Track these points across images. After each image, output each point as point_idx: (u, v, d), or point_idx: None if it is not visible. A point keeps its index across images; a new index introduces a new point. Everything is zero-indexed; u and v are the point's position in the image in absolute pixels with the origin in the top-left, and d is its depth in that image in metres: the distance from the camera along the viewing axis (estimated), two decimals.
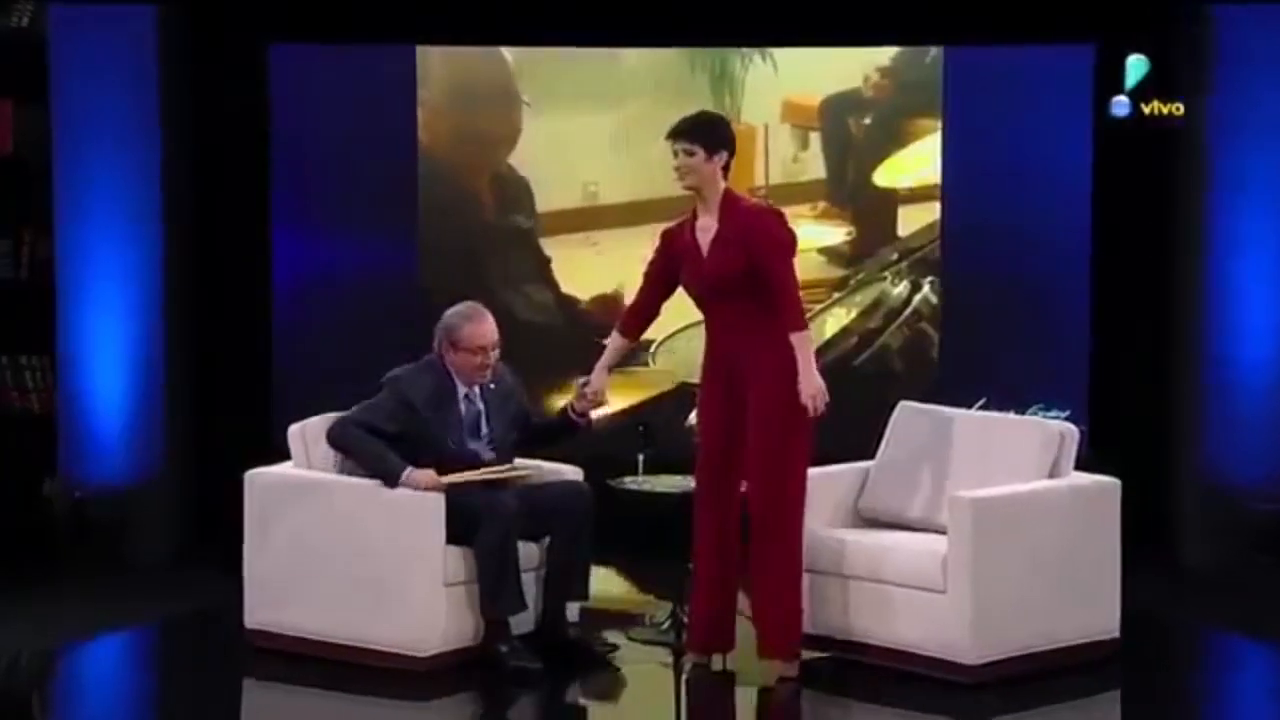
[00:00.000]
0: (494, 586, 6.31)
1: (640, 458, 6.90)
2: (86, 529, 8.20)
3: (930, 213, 8.57)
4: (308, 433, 6.65)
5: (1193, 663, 7.08)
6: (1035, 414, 6.85)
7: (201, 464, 8.50)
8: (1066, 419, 6.69)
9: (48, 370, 8.42)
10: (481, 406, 6.51)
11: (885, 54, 8.53)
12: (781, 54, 8.47)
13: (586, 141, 8.56)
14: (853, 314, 8.62)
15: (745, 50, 8.47)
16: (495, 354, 6.46)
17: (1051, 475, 6.48)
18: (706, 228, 6.17)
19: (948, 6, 8.39)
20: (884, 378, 8.48)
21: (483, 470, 6.37)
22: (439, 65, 8.65)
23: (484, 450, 6.50)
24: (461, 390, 6.47)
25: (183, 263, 8.48)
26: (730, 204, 6.13)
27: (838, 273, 8.62)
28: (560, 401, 7.45)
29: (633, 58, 8.55)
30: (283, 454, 6.73)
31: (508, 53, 8.60)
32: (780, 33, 8.46)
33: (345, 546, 6.40)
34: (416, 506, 6.31)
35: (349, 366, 8.33)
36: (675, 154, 6.13)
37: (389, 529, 6.35)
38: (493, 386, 6.53)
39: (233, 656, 6.65)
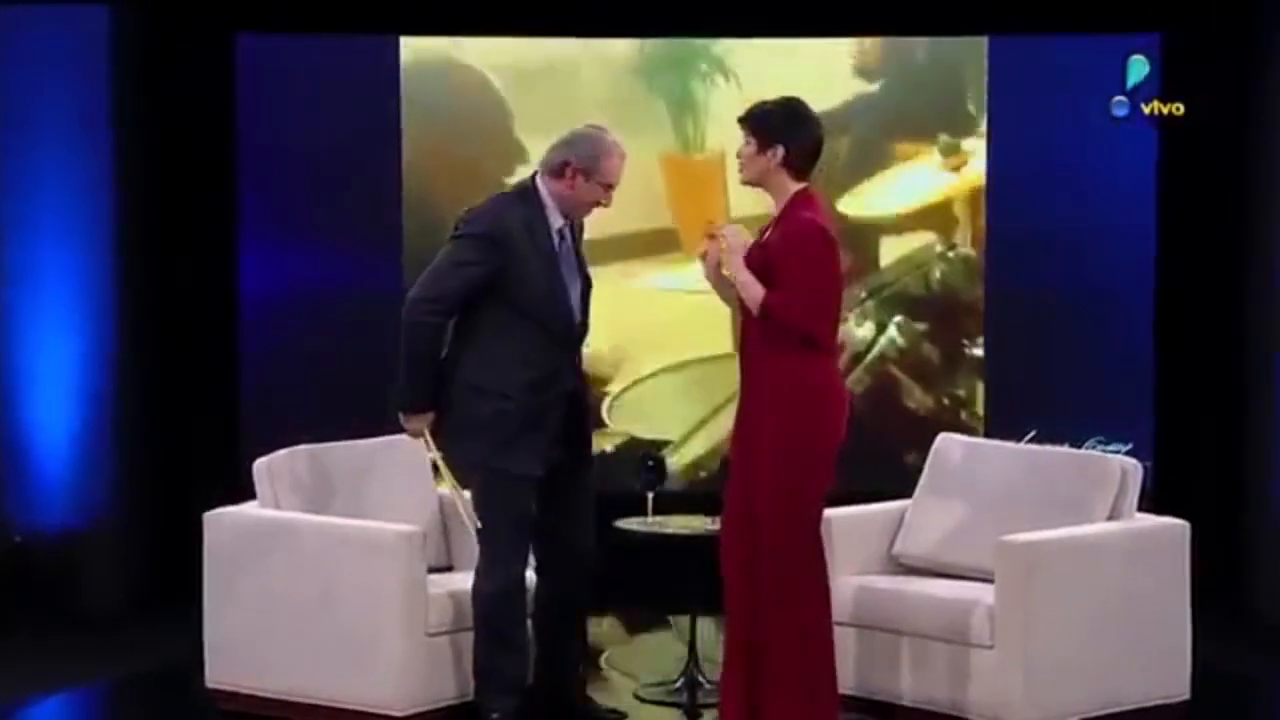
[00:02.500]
0: (488, 662, 6.24)
1: (649, 496, 6.89)
2: (29, 577, 8.18)
3: (904, 245, 8.66)
4: (275, 468, 6.63)
5: None
6: (1093, 447, 6.86)
7: (158, 504, 8.48)
8: (1128, 453, 6.69)
9: None
10: (571, 243, 6.31)
11: (871, 72, 8.59)
12: (746, 72, 8.50)
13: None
14: None
15: (705, 69, 8.56)
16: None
17: (1111, 517, 6.46)
18: (766, 234, 6.04)
19: None
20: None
21: (457, 490, 6.21)
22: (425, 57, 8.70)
23: (576, 304, 6.27)
24: (555, 222, 6.27)
25: (138, 278, 8.48)
26: (790, 210, 5.98)
27: None
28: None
29: (586, 77, 8.57)
30: (249, 492, 6.70)
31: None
32: (803, 22, 8.52)
33: (316, 595, 6.38)
34: (396, 547, 6.29)
35: (324, 394, 8.46)
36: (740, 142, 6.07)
37: (365, 574, 6.32)
38: (572, 224, 6.35)
39: (193, 718, 6.62)
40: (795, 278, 5.82)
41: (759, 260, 5.91)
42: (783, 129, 5.96)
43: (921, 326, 8.71)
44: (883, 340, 8.69)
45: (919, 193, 8.69)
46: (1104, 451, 6.84)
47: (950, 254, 8.66)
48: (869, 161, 8.67)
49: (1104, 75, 8.33)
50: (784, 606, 5.85)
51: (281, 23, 8.55)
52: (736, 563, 5.96)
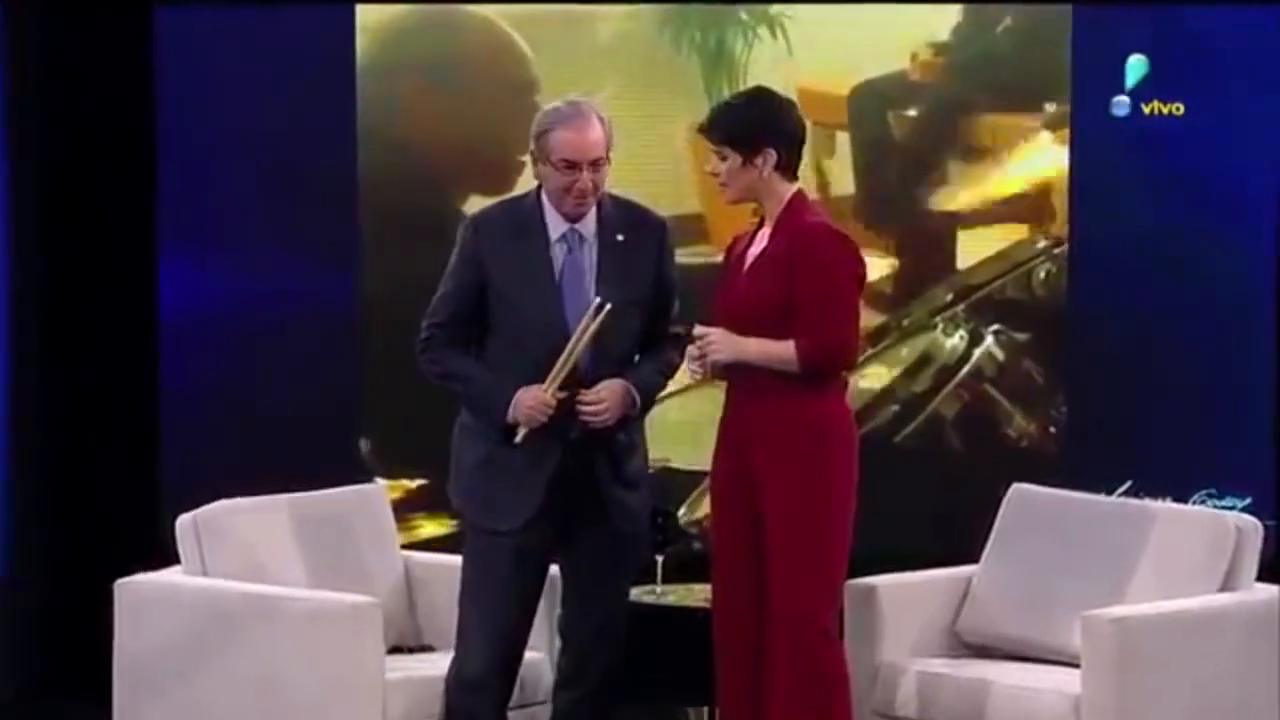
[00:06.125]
0: None
1: (659, 560, 6.96)
2: None
3: (999, 238, 8.71)
4: (203, 526, 6.60)
5: None
6: (1201, 502, 6.87)
7: (60, 570, 8.51)
8: (1244, 510, 6.72)
9: None
10: (590, 255, 6.13)
11: (942, 23, 8.62)
12: (796, 28, 8.54)
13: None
14: (894, 372, 8.76)
15: (747, 19, 8.58)
16: (598, 177, 6.04)
17: (1224, 587, 6.41)
18: (761, 242, 6.09)
19: None
20: (938, 456, 8.64)
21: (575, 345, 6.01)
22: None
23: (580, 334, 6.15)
24: (557, 229, 6.13)
25: (38, 299, 8.53)
26: (791, 214, 6.02)
27: (877, 319, 8.73)
28: None
29: (604, 32, 8.60)
30: (171, 555, 6.69)
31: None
32: None
33: (252, 680, 6.33)
34: (347, 622, 6.28)
35: (260, 435, 8.50)
36: (710, 157, 6.13)
37: (310, 655, 6.29)
38: (620, 238, 6.15)
39: None
40: (826, 311, 5.90)
41: (770, 278, 5.95)
42: (767, 128, 5.98)
43: (1023, 338, 8.69)
44: (978, 353, 8.67)
45: (1015, 176, 8.70)
46: (1215, 507, 6.91)
47: (1056, 250, 8.67)
48: (951, 137, 8.68)
49: (1213, 53, 8.46)
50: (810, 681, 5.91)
51: None
52: (739, 644, 6.04)
